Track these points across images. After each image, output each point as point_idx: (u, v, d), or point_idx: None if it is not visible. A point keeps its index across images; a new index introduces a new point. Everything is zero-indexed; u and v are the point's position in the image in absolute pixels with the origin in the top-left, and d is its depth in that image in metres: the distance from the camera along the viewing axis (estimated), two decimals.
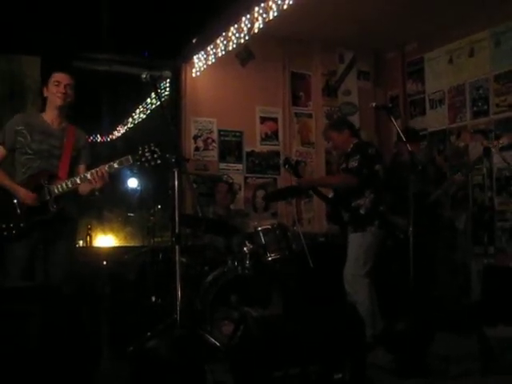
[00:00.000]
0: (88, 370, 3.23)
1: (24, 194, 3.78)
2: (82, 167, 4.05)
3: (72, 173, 3.95)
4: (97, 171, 3.78)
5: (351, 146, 5.00)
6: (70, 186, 3.82)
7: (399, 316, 4.40)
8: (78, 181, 3.82)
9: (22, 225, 3.76)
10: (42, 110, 4.13)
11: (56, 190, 3.81)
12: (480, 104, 6.31)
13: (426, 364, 3.89)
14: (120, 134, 7.95)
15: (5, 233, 3.75)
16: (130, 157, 3.76)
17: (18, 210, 3.78)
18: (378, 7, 6.01)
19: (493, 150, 5.02)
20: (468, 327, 4.90)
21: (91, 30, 5.81)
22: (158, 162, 3.76)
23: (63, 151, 3.95)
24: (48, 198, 3.80)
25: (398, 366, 3.93)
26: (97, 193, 3.97)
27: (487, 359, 3.86)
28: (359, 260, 4.79)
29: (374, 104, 4.70)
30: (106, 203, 7.10)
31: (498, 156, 5.38)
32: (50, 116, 4.01)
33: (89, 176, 3.79)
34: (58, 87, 3.93)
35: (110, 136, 7.82)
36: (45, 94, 4.03)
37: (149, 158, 3.74)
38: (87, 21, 5.73)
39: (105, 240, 6.85)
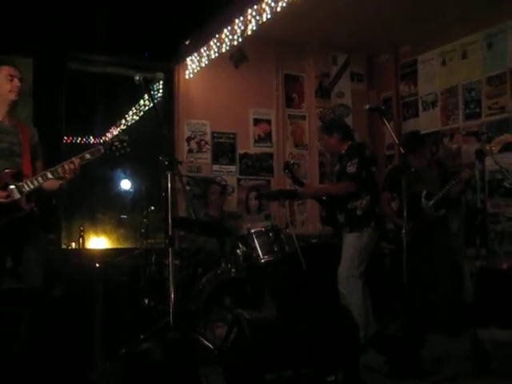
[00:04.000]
0: (81, 373, 3.23)
1: None
2: (39, 164, 3.93)
3: (33, 169, 3.84)
4: (69, 163, 3.70)
5: (345, 147, 5.01)
6: (40, 181, 3.70)
7: (392, 318, 4.41)
8: (50, 175, 3.71)
9: None
10: None
11: (27, 187, 3.67)
12: (472, 106, 6.33)
13: (419, 366, 3.90)
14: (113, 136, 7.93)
15: None
16: (100, 147, 3.76)
17: None
18: (371, 9, 6.03)
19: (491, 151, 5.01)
20: (461, 329, 4.92)
21: (84, 31, 5.78)
22: (128, 149, 3.81)
23: (22, 148, 3.82)
24: (19, 196, 3.66)
25: (391, 367, 3.94)
26: (64, 187, 3.89)
27: (480, 361, 3.88)
28: (354, 261, 4.80)
29: (367, 106, 4.69)
30: (99, 205, 7.09)
31: (490, 158, 5.38)
32: (0, 113, 3.85)
33: (60, 169, 3.70)
34: (12, 82, 3.81)
35: (103, 137, 7.80)
36: None
37: (118, 146, 3.78)
38: (81, 22, 5.70)
39: (97, 242, 6.83)
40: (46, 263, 3.93)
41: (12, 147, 3.80)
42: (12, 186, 3.65)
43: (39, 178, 3.71)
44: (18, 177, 3.72)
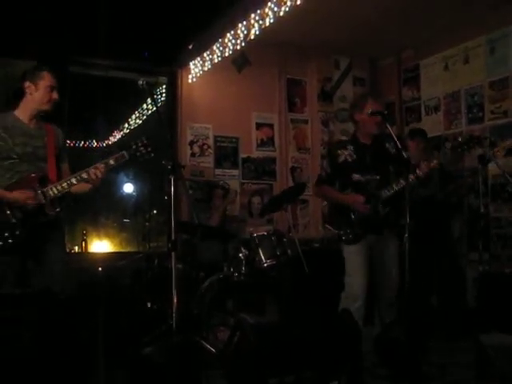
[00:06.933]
0: (84, 377, 3.22)
1: (19, 194, 3.58)
2: (65, 166, 3.91)
3: (59, 172, 3.81)
4: (93, 169, 3.67)
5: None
6: (65, 187, 3.67)
7: (394, 322, 4.39)
8: (74, 181, 3.68)
9: (17, 233, 3.57)
10: (15, 106, 3.84)
11: (51, 193, 3.64)
12: (475, 111, 6.33)
13: (422, 371, 3.89)
14: (116, 140, 7.95)
15: (0, 243, 3.54)
16: (125, 152, 3.71)
17: (13, 220, 3.57)
18: (374, 14, 6.03)
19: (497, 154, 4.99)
20: (463, 334, 4.91)
21: (88, 35, 5.80)
22: (152, 154, 3.76)
23: (47, 151, 3.78)
24: (44, 201, 3.62)
25: (393, 372, 3.93)
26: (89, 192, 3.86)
27: (483, 366, 3.86)
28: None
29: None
30: (102, 208, 7.10)
31: (493, 163, 5.37)
32: (25, 115, 3.79)
33: (85, 175, 3.67)
34: (52, 93, 3.77)
35: (106, 141, 7.82)
36: (27, 91, 3.77)
37: (143, 151, 3.73)
38: (84, 26, 5.72)
39: (100, 246, 6.85)
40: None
41: (36, 151, 3.76)
42: (38, 192, 3.62)
43: (64, 184, 3.68)
44: (43, 181, 3.69)
